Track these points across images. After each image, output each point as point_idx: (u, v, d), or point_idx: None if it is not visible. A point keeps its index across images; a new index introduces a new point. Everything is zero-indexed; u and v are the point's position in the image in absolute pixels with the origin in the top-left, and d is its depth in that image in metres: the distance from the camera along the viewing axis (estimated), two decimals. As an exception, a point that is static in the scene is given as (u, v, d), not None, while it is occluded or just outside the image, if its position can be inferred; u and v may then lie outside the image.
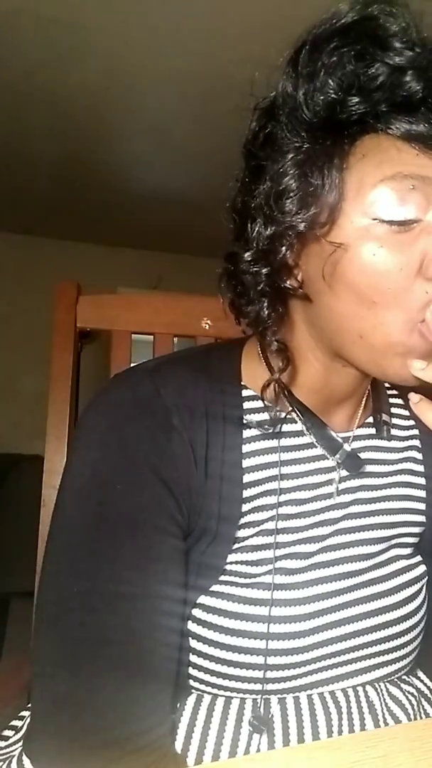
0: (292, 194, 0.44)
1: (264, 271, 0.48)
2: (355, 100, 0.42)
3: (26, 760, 0.52)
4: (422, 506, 0.60)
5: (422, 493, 0.60)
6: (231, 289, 0.53)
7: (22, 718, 0.63)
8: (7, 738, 0.60)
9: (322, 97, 0.43)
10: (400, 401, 0.65)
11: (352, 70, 0.42)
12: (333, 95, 0.43)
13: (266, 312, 0.50)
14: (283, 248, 0.46)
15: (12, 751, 0.57)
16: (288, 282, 0.49)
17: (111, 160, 2.72)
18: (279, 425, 0.53)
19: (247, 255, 0.48)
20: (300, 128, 0.45)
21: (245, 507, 0.51)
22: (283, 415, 0.54)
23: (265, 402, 0.52)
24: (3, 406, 3.31)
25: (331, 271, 0.46)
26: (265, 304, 0.50)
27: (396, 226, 0.43)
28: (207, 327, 0.56)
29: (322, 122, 0.44)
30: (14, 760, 0.55)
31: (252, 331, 0.55)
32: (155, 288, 3.57)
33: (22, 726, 0.61)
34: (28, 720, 0.57)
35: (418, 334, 0.44)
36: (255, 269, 0.48)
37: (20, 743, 0.57)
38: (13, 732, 0.61)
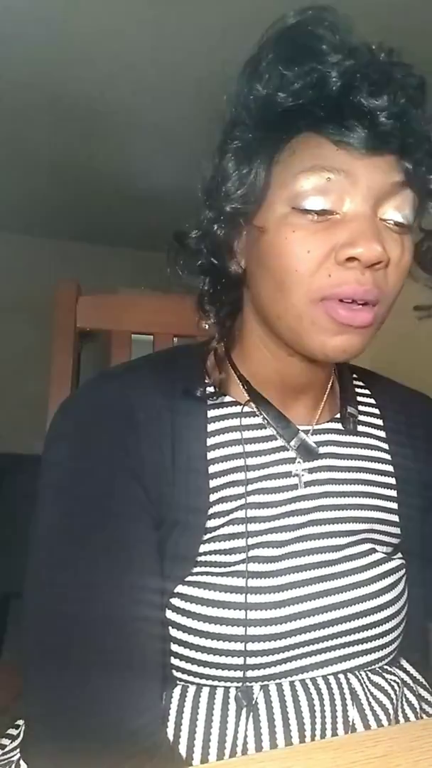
0: (228, 180, 0.49)
1: (205, 248, 0.54)
2: (282, 96, 0.46)
3: (24, 766, 0.52)
4: (394, 505, 0.60)
5: (393, 493, 0.61)
6: (177, 263, 0.57)
7: (18, 726, 0.63)
8: (3, 746, 0.60)
9: (257, 96, 0.47)
10: (371, 400, 0.66)
11: (281, 73, 0.46)
12: (264, 93, 0.47)
13: (206, 287, 0.56)
14: (217, 228, 0.51)
15: (12, 756, 0.57)
16: (228, 264, 0.54)
17: (111, 160, 2.72)
18: (241, 418, 0.56)
19: (193, 233, 0.54)
20: (243, 125, 0.49)
21: (212, 497, 0.53)
22: (243, 408, 0.57)
23: (206, 369, 0.57)
24: (3, 406, 3.31)
25: (256, 255, 0.51)
26: (207, 280, 0.56)
27: (311, 215, 0.47)
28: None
29: (259, 119, 0.48)
30: (13, 765, 0.55)
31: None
32: (155, 288, 3.57)
33: (20, 733, 0.60)
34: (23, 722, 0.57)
35: (322, 312, 0.47)
36: (198, 247, 0.54)
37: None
38: (10, 741, 0.61)
